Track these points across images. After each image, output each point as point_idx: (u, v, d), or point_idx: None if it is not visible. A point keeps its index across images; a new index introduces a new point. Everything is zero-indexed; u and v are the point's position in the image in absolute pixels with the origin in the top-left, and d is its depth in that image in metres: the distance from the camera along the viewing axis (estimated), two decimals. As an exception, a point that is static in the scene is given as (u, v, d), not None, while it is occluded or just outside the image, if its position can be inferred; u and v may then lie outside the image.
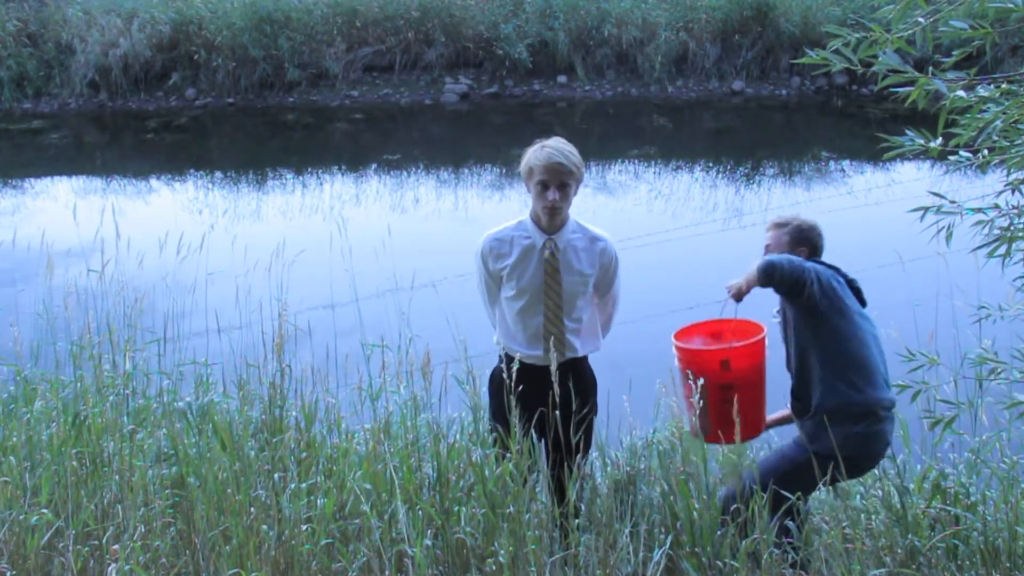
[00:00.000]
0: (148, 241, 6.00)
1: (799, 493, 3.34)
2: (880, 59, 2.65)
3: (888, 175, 11.07)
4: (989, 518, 3.11)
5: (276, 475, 3.24)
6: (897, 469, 3.37)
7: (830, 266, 3.48)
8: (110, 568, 2.68)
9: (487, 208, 10.64)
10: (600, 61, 15.61)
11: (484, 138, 14.41)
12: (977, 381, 3.38)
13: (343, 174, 12.35)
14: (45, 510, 3.03)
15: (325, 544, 2.93)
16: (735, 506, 3.15)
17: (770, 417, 3.66)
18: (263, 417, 3.89)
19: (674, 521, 3.17)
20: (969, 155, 2.82)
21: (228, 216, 10.26)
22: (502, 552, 2.84)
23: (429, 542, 2.92)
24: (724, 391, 3.40)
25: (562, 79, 15.55)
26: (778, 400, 3.57)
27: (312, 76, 15.35)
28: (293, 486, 3.12)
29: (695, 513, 3.10)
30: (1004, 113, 2.62)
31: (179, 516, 3.10)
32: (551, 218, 3.38)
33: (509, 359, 3.34)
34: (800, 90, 15.21)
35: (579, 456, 3.25)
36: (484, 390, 3.64)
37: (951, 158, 2.84)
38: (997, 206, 2.82)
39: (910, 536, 3.02)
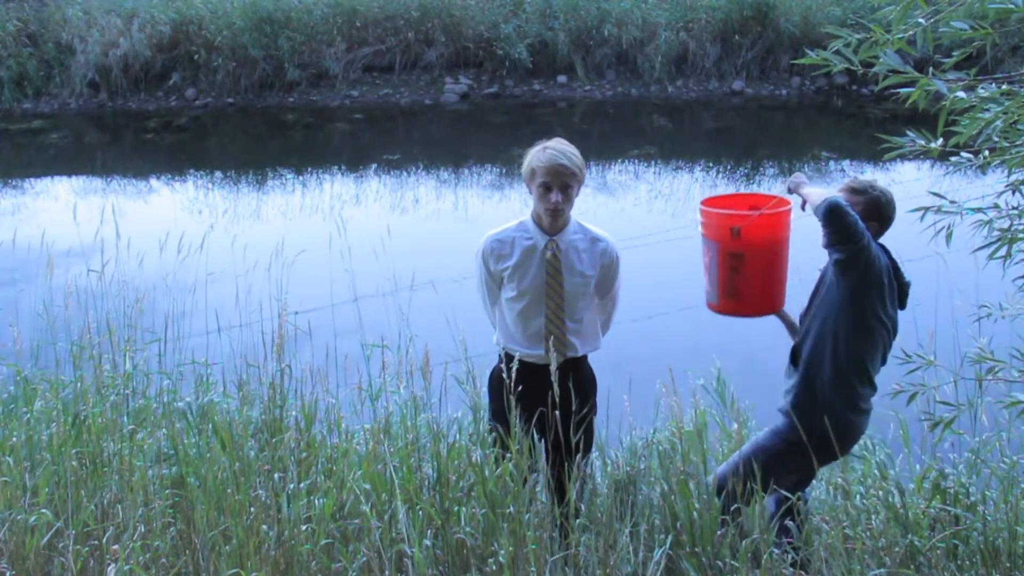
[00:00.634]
0: (148, 241, 6.00)
1: (799, 494, 3.35)
2: (881, 59, 2.65)
3: (888, 175, 11.06)
4: (989, 518, 3.12)
5: (276, 475, 3.24)
6: (897, 469, 3.38)
7: (889, 257, 3.38)
8: (110, 568, 2.68)
9: (487, 208, 10.64)
10: (600, 61, 15.61)
11: (484, 138, 14.41)
12: (977, 381, 3.38)
13: (343, 174, 12.35)
14: (45, 510, 3.03)
15: (325, 544, 2.93)
16: (728, 486, 3.18)
17: (789, 314, 3.63)
18: (263, 417, 3.89)
19: (674, 521, 3.17)
20: (969, 155, 2.82)
21: (228, 216, 10.25)
22: (502, 552, 2.84)
23: (429, 542, 2.92)
24: (733, 259, 3.42)
25: (562, 79, 15.55)
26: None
27: (312, 76, 15.35)
28: (293, 486, 3.12)
29: (695, 513, 3.10)
30: (1004, 113, 2.62)
31: (179, 516, 3.10)
32: (553, 220, 3.38)
33: (509, 358, 3.34)
34: (800, 90, 15.21)
35: (579, 456, 3.25)
36: (484, 390, 3.64)
37: (951, 158, 2.84)
38: (997, 206, 2.82)
39: (910, 536, 3.02)
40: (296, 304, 4.72)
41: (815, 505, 3.76)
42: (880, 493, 3.40)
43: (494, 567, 2.83)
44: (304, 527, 2.94)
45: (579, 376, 3.48)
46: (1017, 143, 2.66)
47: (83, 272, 5.25)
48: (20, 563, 2.91)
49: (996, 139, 2.71)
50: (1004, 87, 2.73)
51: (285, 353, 3.85)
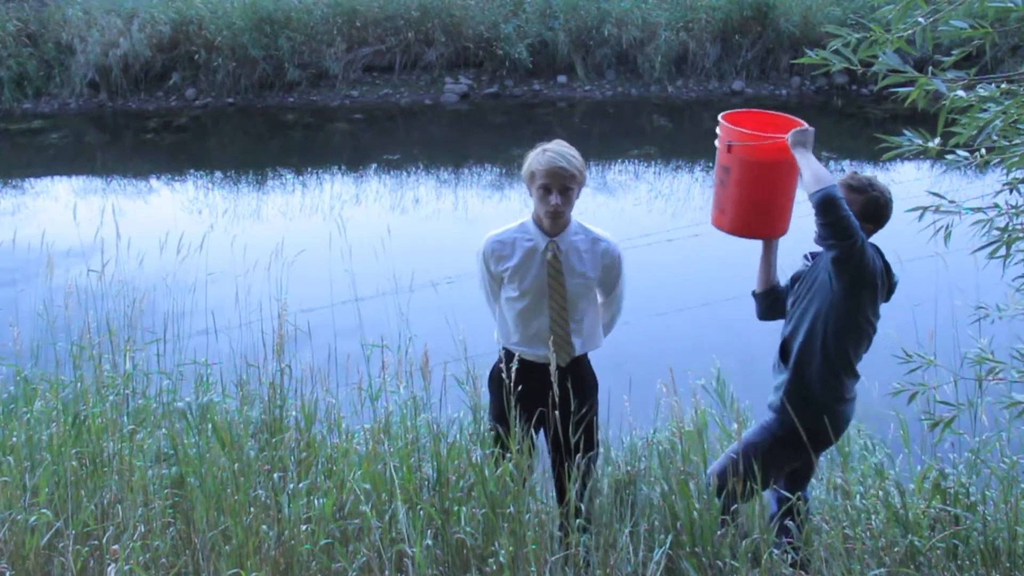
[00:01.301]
0: (148, 241, 6.00)
1: (800, 494, 3.35)
2: (880, 59, 2.65)
3: (888, 175, 11.07)
4: (989, 518, 3.12)
5: (276, 475, 3.24)
6: (897, 469, 3.38)
7: (881, 256, 3.38)
8: (110, 568, 2.68)
9: (487, 208, 10.64)
10: (600, 61, 15.60)
11: (484, 138, 14.41)
12: (976, 381, 3.38)
13: (343, 174, 12.35)
14: (45, 510, 3.03)
15: (325, 544, 2.93)
16: (729, 486, 3.19)
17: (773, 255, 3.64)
18: (263, 417, 3.89)
19: (674, 521, 3.17)
20: (968, 155, 2.82)
21: (228, 216, 10.25)
22: (502, 552, 2.84)
23: (429, 542, 2.92)
24: (723, 172, 3.49)
25: (562, 79, 15.54)
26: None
27: (312, 76, 15.34)
28: (293, 486, 3.12)
29: (695, 513, 3.10)
30: (1003, 113, 2.62)
31: (179, 516, 3.10)
32: (554, 221, 3.38)
33: (509, 357, 3.34)
34: (800, 90, 15.21)
35: (579, 456, 3.25)
36: (484, 390, 3.64)
37: (950, 158, 2.84)
38: (996, 205, 2.82)
39: (910, 536, 3.02)
40: (296, 304, 4.73)
41: (815, 505, 3.76)
42: (880, 493, 3.40)
43: (494, 567, 2.83)
44: (304, 527, 2.94)
45: (580, 376, 3.48)
46: (1016, 142, 2.66)
47: (83, 272, 5.25)
48: (20, 563, 2.91)
49: (995, 138, 2.71)
50: (1004, 87, 2.73)
51: (285, 353, 3.85)
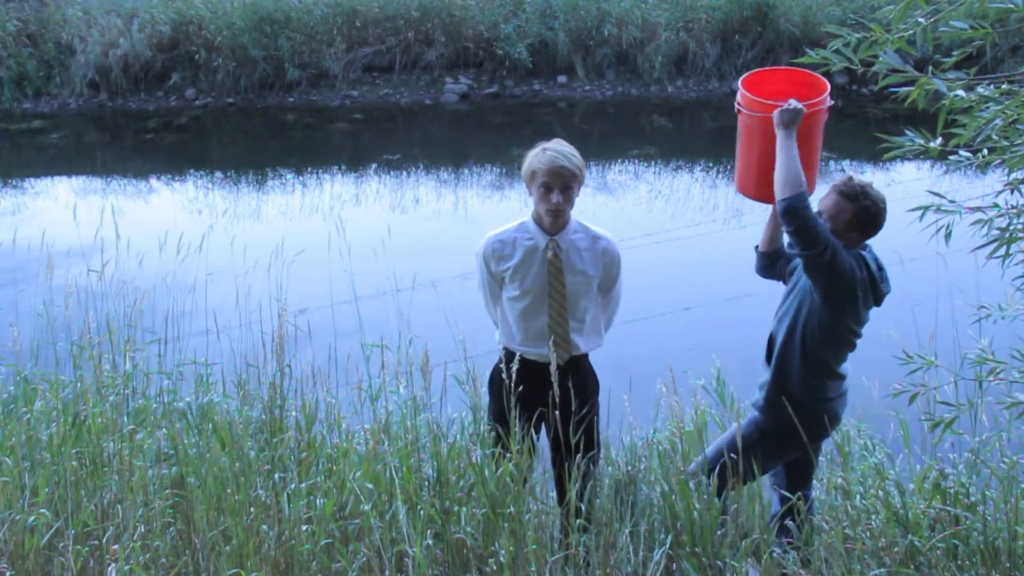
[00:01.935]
0: (148, 241, 6.01)
1: (800, 494, 3.35)
2: (880, 59, 2.65)
3: (888, 175, 11.07)
4: (989, 518, 3.11)
5: (276, 475, 3.24)
6: (897, 469, 3.37)
7: (868, 268, 3.32)
8: (110, 568, 2.68)
9: (487, 208, 10.64)
10: (600, 61, 15.60)
11: (484, 138, 14.41)
12: (977, 381, 3.38)
13: (343, 174, 12.34)
14: (44, 510, 3.02)
15: (325, 544, 2.93)
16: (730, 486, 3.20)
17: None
18: (263, 417, 3.89)
19: (674, 521, 3.17)
20: (969, 155, 2.82)
21: (228, 216, 10.25)
22: (502, 552, 2.84)
23: (429, 542, 2.92)
24: (737, 131, 3.52)
25: (562, 79, 15.54)
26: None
27: (312, 76, 15.34)
28: (293, 486, 3.12)
29: (695, 513, 3.10)
30: (1004, 113, 2.62)
31: (179, 516, 3.10)
32: (554, 220, 3.39)
33: (510, 357, 3.34)
34: (800, 90, 15.22)
35: (579, 456, 3.25)
36: (484, 390, 3.64)
37: (951, 158, 2.84)
38: (996, 206, 2.82)
39: (910, 536, 3.02)
40: (296, 304, 4.73)
41: (815, 505, 3.76)
42: (880, 493, 3.40)
43: (494, 567, 2.83)
44: (304, 527, 2.94)
45: (580, 375, 3.48)
46: (1017, 142, 2.66)
47: (83, 272, 5.25)
48: (20, 563, 2.91)
49: (995, 138, 2.71)
50: (1004, 87, 2.73)
51: (285, 353, 3.85)
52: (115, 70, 15.08)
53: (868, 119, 13.81)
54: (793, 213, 3.16)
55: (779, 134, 3.28)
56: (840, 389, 3.47)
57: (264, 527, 2.91)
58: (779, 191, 3.22)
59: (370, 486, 3.12)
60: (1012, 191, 2.86)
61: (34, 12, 15.78)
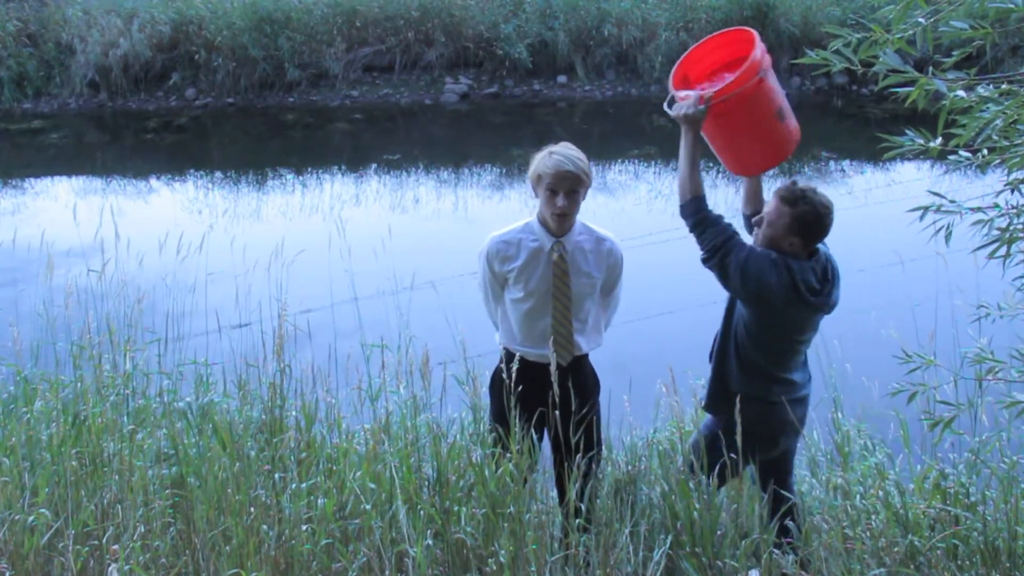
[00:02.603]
0: (148, 241, 6.00)
1: (792, 500, 3.35)
2: (880, 59, 2.65)
3: (888, 175, 11.07)
4: (989, 518, 3.11)
5: (276, 475, 3.24)
6: (897, 469, 3.37)
7: (792, 273, 3.22)
8: (110, 568, 2.68)
9: (487, 208, 10.63)
10: (600, 61, 15.60)
11: (484, 138, 14.41)
12: (977, 381, 3.38)
13: (343, 174, 12.34)
14: (44, 510, 3.02)
15: (325, 544, 2.93)
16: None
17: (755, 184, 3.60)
18: (263, 417, 3.89)
19: (674, 521, 3.17)
20: (969, 155, 2.82)
21: (228, 216, 10.25)
22: (502, 552, 2.84)
23: (429, 542, 2.92)
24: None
25: (562, 79, 15.54)
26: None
27: (312, 76, 15.34)
28: (293, 486, 3.12)
29: (695, 513, 3.10)
30: (1004, 113, 2.62)
31: (179, 516, 3.10)
32: (560, 224, 3.39)
33: (510, 358, 3.34)
34: (800, 90, 15.21)
35: (579, 456, 3.25)
36: (484, 390, 3.64)
37: (951, 158, 2.84)
38: (996, 206, 2.82)
39: (910, 536, 3.02)
40: (296, 304, 4.72)
41: (815, 505, 3.76)
42: (880, 493, 3.40)
43: (494, 567, 2.83)
44: (304, 527, 2.94)
45: (581, 375, 3.49)
46: (1017, 142, 2.66)
47: (83, 272, 5.25)
48: (20, 563, 2.91)
49: (996, 138, 2.71)
50: (1004, 87, 2.73)
51: (285, 353, 3.85)
52: (115, 70, 15.08)
53: (868, 119, 13.80)
54: (684, 217, 3.28)
55: (682, 129, 3.31)
56: (792, 393, 3.38)
57: (264, 527, 2.91)
58: (679, 193, 3.32)
59: (371, 486, 3.12)
60: (1012, 191, 2.86)
61: (34, 12, 15.79)
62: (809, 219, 3.22)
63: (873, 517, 3.28)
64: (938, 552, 2.96)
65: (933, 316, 4.63)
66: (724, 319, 3.42)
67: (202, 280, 5.58)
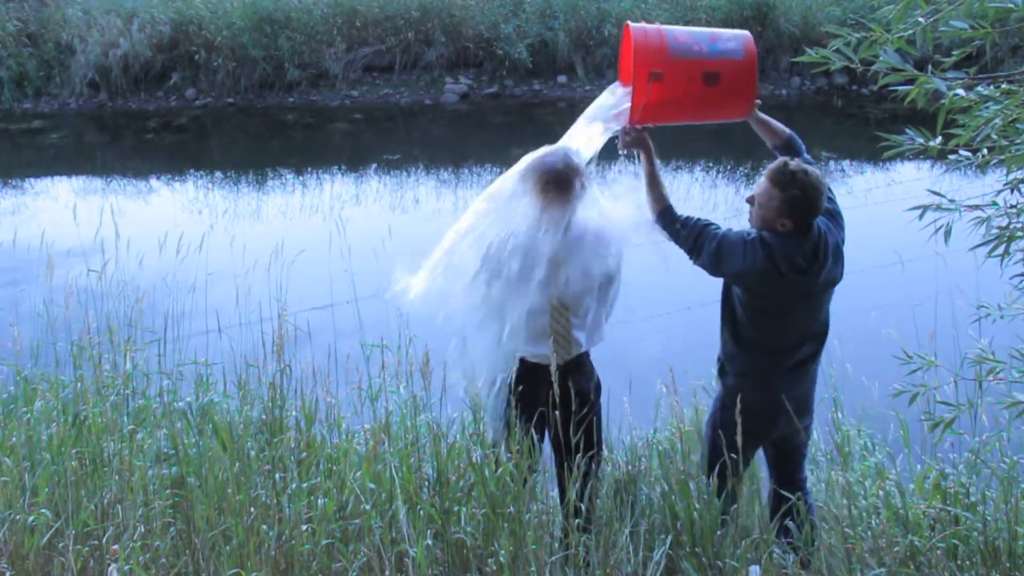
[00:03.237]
0: (148, 241, 6.00)
1: (799, 495, 3.35)
2: (880, 59, 2.65)
3: (888, 175, 11.07)
4: (989, 518, 3.11)
5: (276, 475, 3.24)
6: (897, 469, 3.37)
7: (769, 252, 3.24)
8: (110, 568, 2.68)
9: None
10: (600, 61, 15.60)
11: (484, 138, 14.41)
12: (977, 381, 3.38)
13: (343, 174, 12.34)
14: (45, 510, 3.02)
15: (325, 544, 2.93)
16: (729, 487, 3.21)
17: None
18: (263, 417, 3.89)
19: (674, 521, 3.17)
20: (968, 154, 2.82)
21: (228, 216, 10.25)
22: (502, 552, 2.84)
23: (429, 542, 2.92)
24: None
25: (562, 79, 15.54)
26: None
27: (312, 76, 15.34)
28: (293, 486, 3.12)
29: (695, 513, 3.10)
30: (1003, 112, 2.62)
31: (179, 516, 3.10)
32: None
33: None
34: (800, 90, 15.21)
35: (579, 456, 3.25)
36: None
37: (951, 157, 2.84)
38: (994, 204, 2.82)
39: (910, 536, 3.02)
40: (296, 304, 4.72)
41: (815, 505, 3.75)
42: (880, 493, 3.40)
43: (494, 567, 2.83)
44: (304, 527, 2.94)
45: (582, 375, 3.48)
46: (1016, 142, 2.66)
47: (83, 272, 5.24)
48: (20, 563, 2.91)
49: (995, 138, 2.71)
50: (1004, 86, 2.73)
51: (285, 353, 3.85)
52: (115, 70, 15.08)
53: (868, 119, 13.80)
54: (661, 230, 3.46)
55: (643, 172, 3.56)
56: (787, 376, 3.38)
57: (264, 527, 2.91)
58: (653, 196, 3.53)
59: (371, 486, 3.12)
60: (1011, 190, 2.86)
61: (34, 12, 15.78)
62: (799, 202, 3.22)
63: (873, 517, 3.28)
64: (938, 552, 2.96)
65: (933, 316, 4.63)
66: (722, 299, 3.48)
67: (202, 280, 5.58)
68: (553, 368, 3.18)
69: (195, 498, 3.06)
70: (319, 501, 3.05)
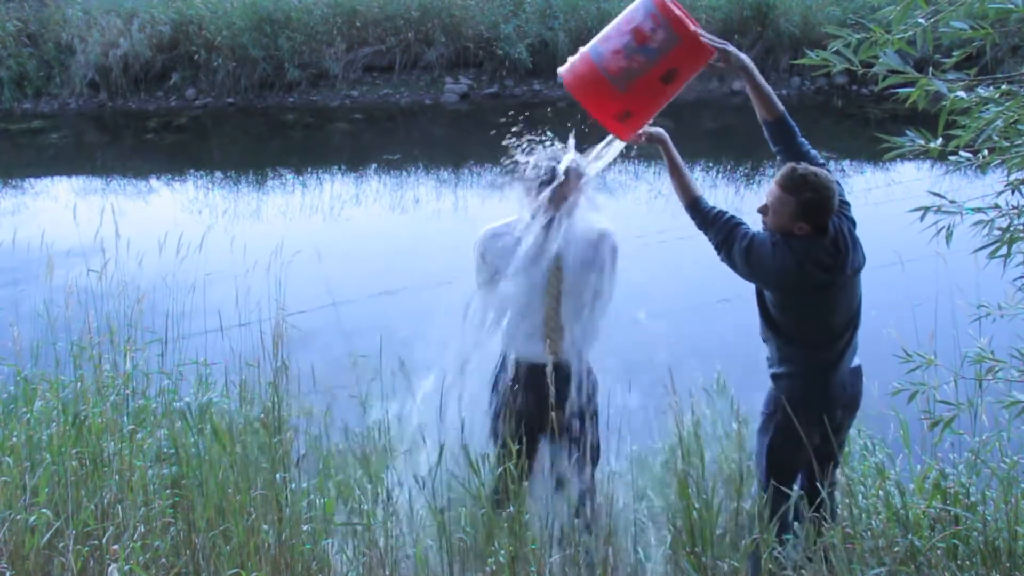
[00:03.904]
0: (148, 241, 6.00)
1: (800, 493, 3.34)
2: (880, 59, 2.65)
3: (888, 175, 11.07)
4: (989, 518, 3.11)
5: (276, 475, 3.24)
6: (897, 469, 3.37)
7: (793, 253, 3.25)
8: (110, 568, 2.68)
9: (487, 208, 10.63)
10: (600, 61, 15.60)
11: (484, 138, 14.39)
12: (977, 381, 3.38)
13: (343, 174, 12.34)
14: (45, 510, 3.02)
15: (325, 544, 2.93)
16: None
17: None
18: (263, 417, 3.88)
19: (674, 521, 3.17)
20: (969, 155, 2.82)
21: (228, 216, 10.25)
22: (502, 552, 2.84)
23: (429, 542, 2.92)
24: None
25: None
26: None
27: (312, 76, 15.34)
28: (293, 486, 3.12)
29: (695, 513, 3.10)
30: (1004, 113, 2.62)
31: (179, 516, 3.10)
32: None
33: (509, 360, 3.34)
34: (800, 90, 15.21)
35: (579, 456, 3.25)
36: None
37: (951, 158, 2.84)
38: (997, 206, 2.82)
39: (910, 536, 3.02)
40: (296, 304, 4.73)
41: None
42: (880, 493, 3.40)
43: (494, 567, 2.83)
44: (304, 527, 2.94)
45: (580, 375, 3.48)
46: (1017, 143, 2.66)
47: (83, 272, 5.24)
48: (20, 563, 2.91)
49: (996, 139, 2.71)
50: (1004, 87, 2.73)
51: (285, 353, 3.85)
52: (115, 70, 15.07)
53: (868, 119, 13.80)
54: (693, 217, 3.45)
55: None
56: (839, 364, 3.37)
57: (264, 527, 2.91)
58: (688, 195, 3.53)
59: (371, 486, 3.12)
60: (1012, 191, 2.86)
61: (34, 12, 15.78)
62: (813, 204, 3.25)
63: (873, 517, 3.28)
64: (938, 552, 2.96)
65: (933, 316, 4.63)
66: (757, 302, 3.45)
67: (202, 280, 5.58)
68: (549, 369, 3.18)
69: (195, 498, 3.06)
70: (319, 501, 3.05)
